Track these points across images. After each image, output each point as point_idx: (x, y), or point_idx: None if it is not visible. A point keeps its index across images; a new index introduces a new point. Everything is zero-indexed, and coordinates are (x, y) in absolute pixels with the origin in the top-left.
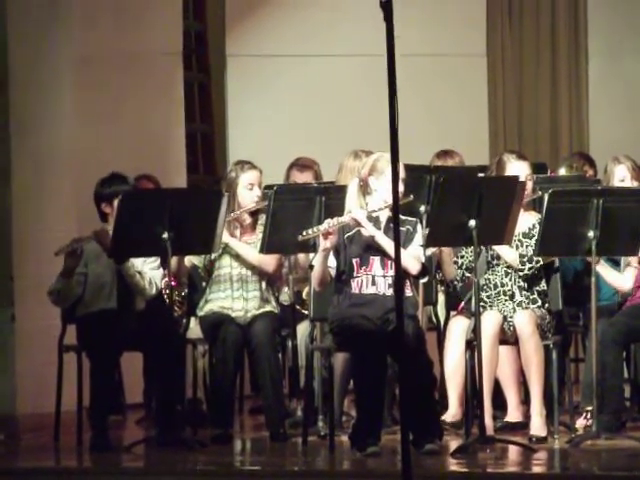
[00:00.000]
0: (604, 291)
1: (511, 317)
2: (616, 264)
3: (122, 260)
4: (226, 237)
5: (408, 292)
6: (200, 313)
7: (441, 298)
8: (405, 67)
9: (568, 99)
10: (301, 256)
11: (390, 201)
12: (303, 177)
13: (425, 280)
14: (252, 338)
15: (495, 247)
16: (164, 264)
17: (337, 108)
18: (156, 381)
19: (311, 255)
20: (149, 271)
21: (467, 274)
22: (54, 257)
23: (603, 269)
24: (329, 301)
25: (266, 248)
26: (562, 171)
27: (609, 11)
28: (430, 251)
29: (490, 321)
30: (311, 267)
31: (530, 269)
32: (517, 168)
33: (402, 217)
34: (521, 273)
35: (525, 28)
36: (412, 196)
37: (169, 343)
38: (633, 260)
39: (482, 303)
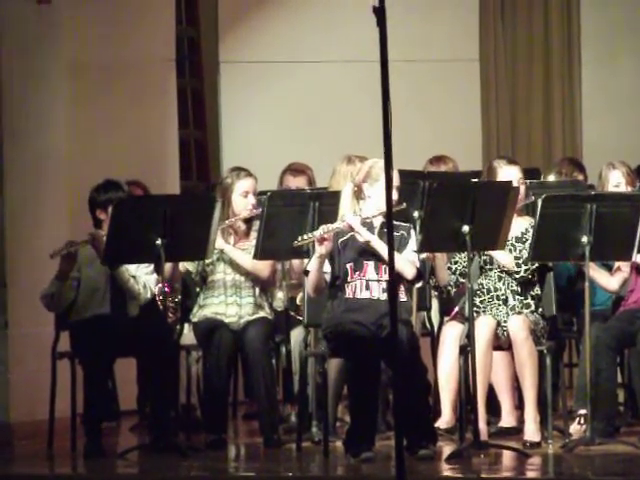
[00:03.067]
0: (598, 296)
1: (505, 322)
2: (610, 268)
3: (116, 266)
4: (220, 243)
5: (402, 297)
6: (194, 319)
7: (435, 304)
8: (398, 72)
9: (561, 104)
10: (295, 262)
11: (384, 208)
12: (296, 182)
13: (419, 285)
14: (246, 344)
15: (490, 252)
16: (158, 270)
17: (330, 114)
18: (150, 387)
19: (305, 261)
20: (143, 275)
21: (461, 279)
22: (47, 265)
23: (593, 270)
24: (323, 307)
25: (260, 254)
26: (551, 177)
27: (602, 17)
28: (423, 255)
29: (484, 326)
30: (306, 273)
31: (526, 271)
32: (508, 173)
33: (396, 223)
34: (517, 276)
35: (518, 33)
36: (405, 204)
37: (162, 349)
38: (623, 265)
39: (476, 308)
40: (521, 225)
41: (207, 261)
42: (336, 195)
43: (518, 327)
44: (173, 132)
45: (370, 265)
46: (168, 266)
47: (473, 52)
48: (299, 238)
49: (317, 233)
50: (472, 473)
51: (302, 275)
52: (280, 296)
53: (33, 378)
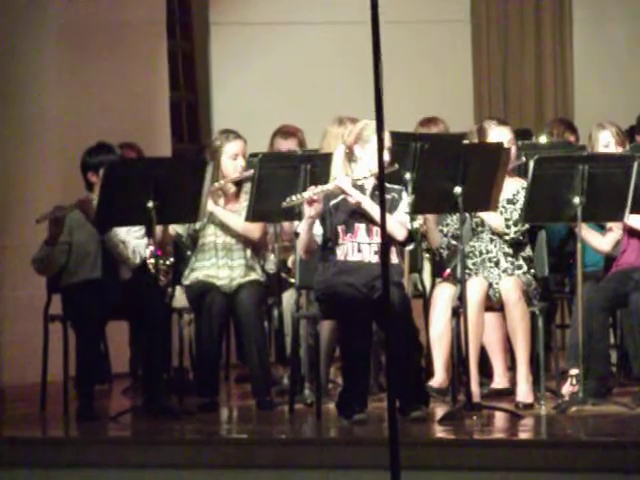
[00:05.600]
0: (590, 257)
1: (497, 284)
2: (602, 228)
3: (106, 229)
4: (211, 206)
5: (394, 259)
6: (185, 282)
7: (427, 266)
8: (389, 34)
9: (553, 65)
10: (286, 224)
11: (375, 170)
12: (287, 144)
13: (411, 247)
14: (238, 306)
15: (480, 213)
16: (149, 233)
17: (321, 75)
18: (142, 350)
19: (296, 223)
20: (133, 240)
21: (452, 241)
22: (39, 228)
23: (585, 231)
24: (315, 269)
25: (252, 216)
26: (543, 138)
27: None
28: (418, 222)
29: (475, 288)
30: (297, 235)
31: (516, 232)
32: (498, 134)
33: (387, 185)
34: (507, 237)
35: None
36: (397, 165)
37: (155, 312)
38: (615, 226)
39: (467, 270)
40: (512, 186)
41: (197, 224)
42: (327, 157)
43: (510, 289)
44: (164, 94)
45: (361, 227)
46: (159, 229)
47: (464, 14)
48: (287, 199)
49: (306, 194)
50: (465, 434)
51: (293, 237)
52: (272, 258)
53: (25, 341)
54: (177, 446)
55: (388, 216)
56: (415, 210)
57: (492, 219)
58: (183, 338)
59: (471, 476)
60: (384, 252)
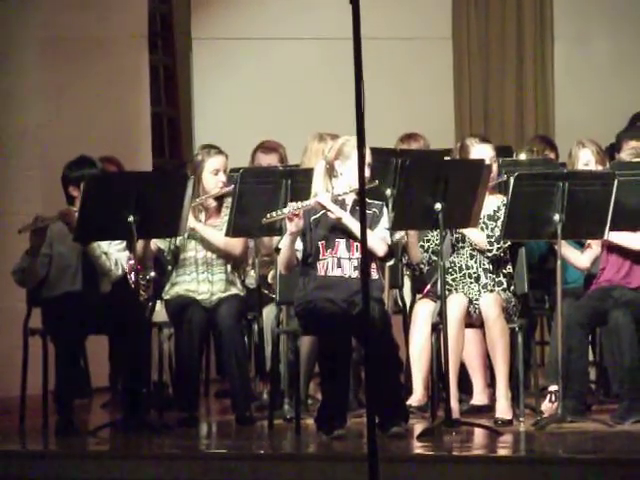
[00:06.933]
0: (570, 274)
1: (477, 300)
2: (581, 246)
3: (87, 243)
4: (192, 221)
5: (374, 275)
6: (165, 296)
7: (407, 281)
8: (371, 50)
9: (534, 82)
10: (266, 239)
11: (355, 185)
12: (268, 159)
13: (391, 263)
14: (218, 321)
15: (463, 230)
16: (130, 247)
17: (303, 91)
18: (122, 365)
19: (276, 238)
20: (115, 252)
21: (433, 257)
22: (20, 240)
23: (564, 248)
24: (295, 284)
25: (232, 231)
26: (523, 155)
27: None
28: (399, 235)
29: (456, 304)
30: (277, 250)
31: (498, 249)
32: (480, 151)
33: (368, 200)
34: (489, 254)
35: (491, 10)
36: (377, 181)
37: (135, 326)
38: (594, 243)
39: (448, 286)
40: (493, 203)
41: (178, 239)
42: (308, 172)
43: (490, 305)
44: (145, 109)
45: (342, 243)
46: (140, 243)
47: (446, 30)
48: (268, 215)
49: (286, 210)
50: (444, 451)
51: (273, 252)
52: (252, 273)
53: (5, 354)
54: (156, 460)
55: (369, 232)
56: (395, 226)
57: (475, 236)
58: (163, 352)
59: None
60: (365, 267)
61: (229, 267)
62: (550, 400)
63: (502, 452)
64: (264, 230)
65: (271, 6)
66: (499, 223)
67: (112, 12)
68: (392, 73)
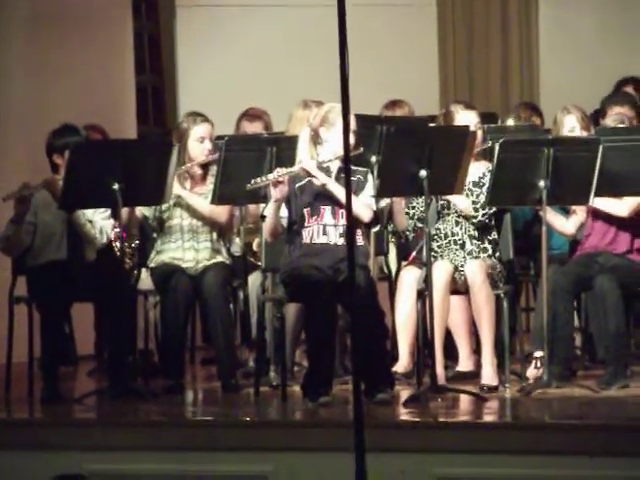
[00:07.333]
0: (555, 240)
1: (462, 266)
2: (566, 212)
3: (72, 211)
4: (177, 189)
5: (359, 242)
6: (151, 264)
7: (393, 248)
8: (355, 17)
9: (519, 48)
10: (251, 206)
11: (340, 153)
12: (253, 127)
13: (376, 229)
14: (203, 289)
15: (448, 196)
16: (115, 215)
17: (287, 58)
18: (107, 332)
19: (262, 206)
20: (99, 220)
21: (418, 224)
22: (4, 209)
23: (550, 214)
24: (280, 252)
25: (217, 199)
26: (509, 122)
27: None
28: (385, 202)
29: (441, 271)
30: (263, 218)
31: (484, 215)
32: (465, 118)
33: (353, 167)
34: (474, 220)
35: None
36: (362, 148)
37: (120, 294)
38: (579, 209)
39: (433, 253)
40: (478, 170)
41: (164, 206)
42: (293, 140)
43: (475, 271)
44: (130, 77)
45: (327, 210)
46: (125, 211)
47: None
48: (252, 181)
49: (271, 176)
50: (429, 417)
51: (259, 220)
52: (237, 241)
53: None
54: (142, 428)
55: (354, 198)
56: (381, 193)
57: (460, 202)
58: (148, 320)
59: (435, 458)
60: (350, 234)
61: (215, 235)
62: (535, 366)
63: (488, 418)
64: (249, 198)
65: None
66: (484, 190)
67: None
68: (376, 40)
